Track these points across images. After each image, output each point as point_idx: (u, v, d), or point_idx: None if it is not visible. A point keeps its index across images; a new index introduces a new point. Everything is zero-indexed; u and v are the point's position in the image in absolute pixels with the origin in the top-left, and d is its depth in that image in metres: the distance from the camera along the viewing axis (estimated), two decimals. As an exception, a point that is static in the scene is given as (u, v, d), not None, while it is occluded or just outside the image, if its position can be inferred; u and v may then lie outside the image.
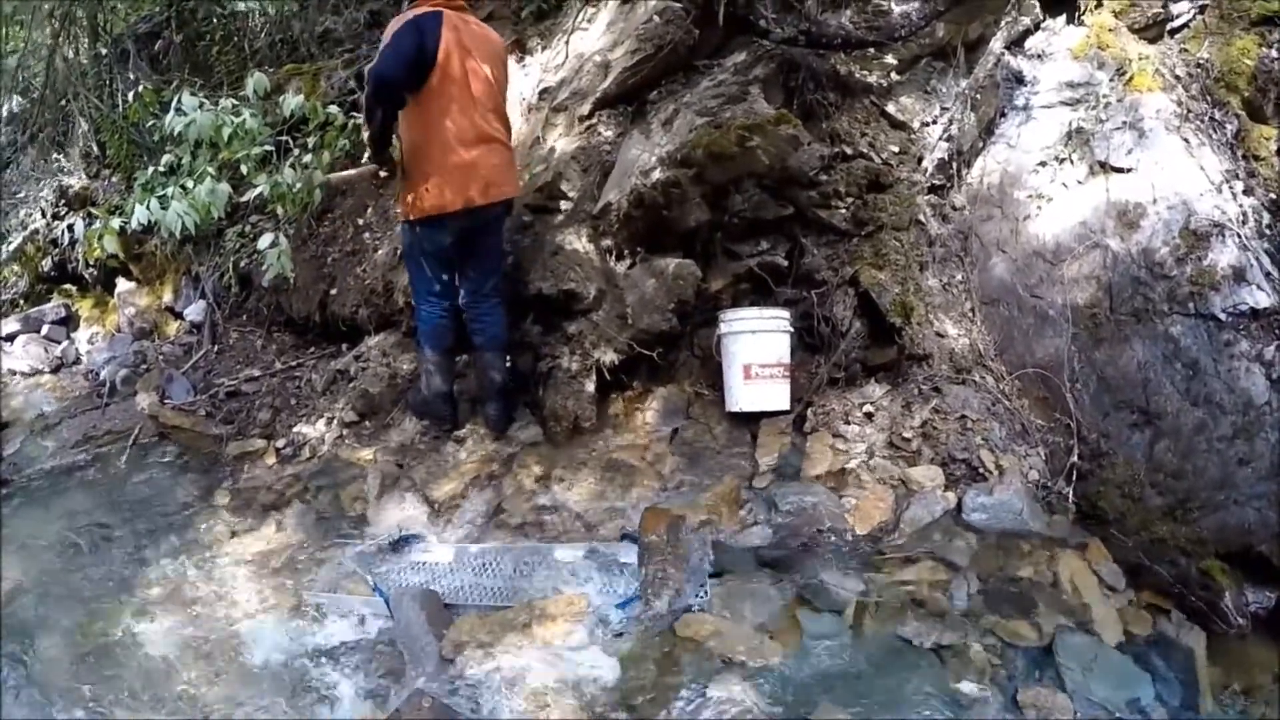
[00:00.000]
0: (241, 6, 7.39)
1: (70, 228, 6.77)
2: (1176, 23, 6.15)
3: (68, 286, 8.67)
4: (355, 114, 6.44)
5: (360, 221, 6.73)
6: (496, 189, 5.35)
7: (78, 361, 7.82)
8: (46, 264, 8.67)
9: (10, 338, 7.97)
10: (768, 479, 5.21)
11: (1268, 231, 5.12)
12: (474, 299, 5.55)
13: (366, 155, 5.97)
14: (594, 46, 6.63)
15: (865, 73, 6.19)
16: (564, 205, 6.03)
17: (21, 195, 8.39)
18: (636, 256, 5.80)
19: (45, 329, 8.13)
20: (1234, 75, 5.65)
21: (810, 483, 5.11)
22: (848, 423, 5.42)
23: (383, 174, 5.70)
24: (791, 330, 5.63)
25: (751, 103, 5.83)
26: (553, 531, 4.95)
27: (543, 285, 5.68)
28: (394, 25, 5.23)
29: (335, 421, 5.99)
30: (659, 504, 4.99)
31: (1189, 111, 5.61)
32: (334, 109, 6.34)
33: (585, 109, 6.39)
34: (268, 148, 6.16)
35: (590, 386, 5.59)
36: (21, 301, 8.77)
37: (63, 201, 8.46)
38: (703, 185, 5.63)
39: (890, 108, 6.18)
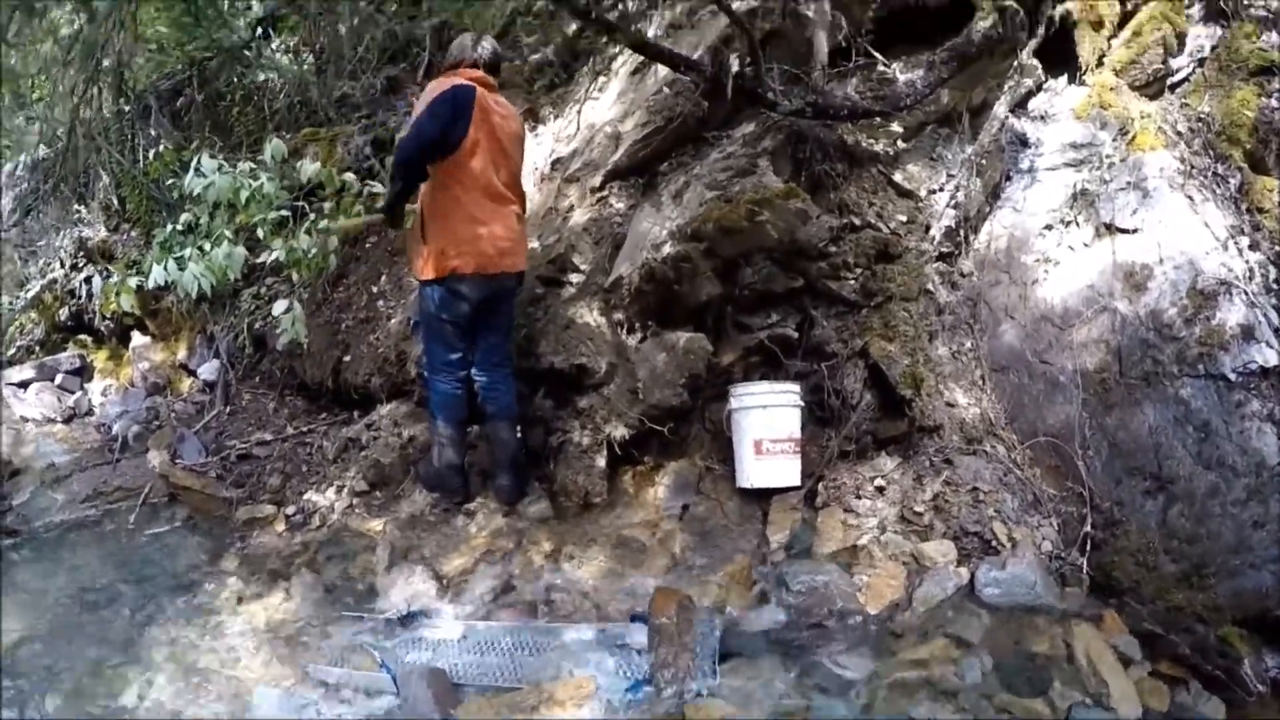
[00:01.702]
0: (261, 76, 7.56)
1: (88, 280, 6.93)
2: (1177, 77, 6.26)
3: (83, 337, 8.78)
4: (370, 182, 6.62)
5: (374, 289, 6.86)
6: (510, 259, 5.52)
7: (90, 413, 7.92)
8: (63, 313, 8.79)
9: (24, 385, 8.07)
10: (779, 557, 5.26)
11: (1275, 286, 5.16)
12: (486, 369, 5.67)
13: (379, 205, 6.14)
14: (605, 117, 6.81)
15: (872, 141, 6.30)
16: (575, 278, 6.16)
17: (42, 244, 8.55)
18: (648, 330, 5.90)
19: (59, 378, 8.23)
20: (1235, 128, 5.72)
21: (822, 560, 5.14)
22: (859, 497, 5.47)
23: (391, 233, 5.97)
24: (802, 404, 5.70)
25: (760, 176, 5.95)
26: (562, 610, 4.97)
27: (555, 359, 5.78)
28: (431, 92, 5.42)
29: (346, 490, 6.07)
30: (669, 584, 5.01)
31: (1192, 168, 5.66)
32: (350, 176, 6.53)
33: (597, 181, 6.56)
34: (284, 212, 6.34)
35: (601, 461, 5.67)
36: (37, 349, 8.89)
37: (81, 253, 8.63)
38: (713, 259, 5.75)
39: (897, 176, 6.28)
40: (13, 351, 8.70)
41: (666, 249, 5.72)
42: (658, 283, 5.75)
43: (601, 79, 7.06)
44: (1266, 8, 6.05)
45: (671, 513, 5.64)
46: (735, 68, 5.93)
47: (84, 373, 8.46)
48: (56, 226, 8.10)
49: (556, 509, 5.69)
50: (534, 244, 6.26)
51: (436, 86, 5.42)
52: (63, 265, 8.72)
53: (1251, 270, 5.20)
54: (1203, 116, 5.87)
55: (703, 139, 6.47)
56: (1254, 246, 5.32)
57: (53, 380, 8.20)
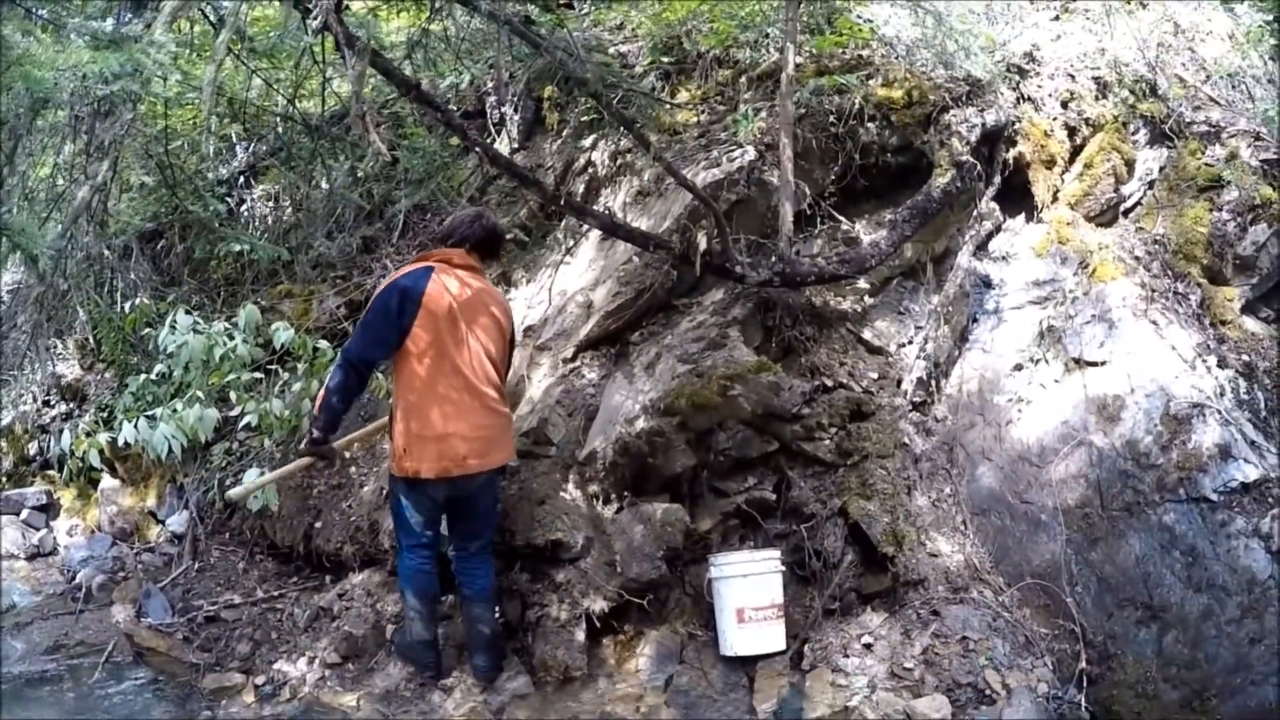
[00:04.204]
0: (236, 248, 7.75)
1: (60, 432, 7.01)
2: (1129, 203, 6.51)
3: (51, 473, 8.61)
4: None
5: (347, 455, 6.85)
6: (483, 458, 5.33)
7: (54, 551, 7.78)
8: (33, 448, 8.71)
9: None
10: (768, 728, 5.17)
11: (1246, 398, 5.23)
12: (461, 553, 5.63)
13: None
14: (576, 284, 7.04)
15: (840, 299, 6.49)
16: (550, 451, 6.18)
17: (14, 375, 8.58)
18: (624, 501, 5.96)
19: (25, 513, 8.09)
20: (1190, 245, 5.95)
21: (813, 728, 5.07)
22: (846, 655, 5.45)
23: (319, 465, 5.79)
24: (783, 569, 5.71)
25: (731, 348, 6.10)
26: (544, 794, 4.89)
27: (530, 535, 5.82)
28: (389, 280, 5.42)
29: (317, 661, 5.98)
30: (656, 763, 4.94)
31: (1153, 291, 5.83)
32: (323, 344, 6.67)
33: (569, 351, 6.72)
34: (257, 375, 6.46)
35: (580, 635, 5.64)
36: (4, 481, 8.79)
37: (54, 390, 8.66)
38: (687, 432, 5.87)
39: (866, 334, 6.45)
40: None
41: (640, 423, 5.84)
42: (632, 456, 5.84)
43: (572, 244, 7.26)
44: (1209, 122, 6.25)
45: (655, 684, 5.59)
46: (703, 245, 6.11)
47: (50, 509, 8.31)
48: (31, 358, 8.16)
49: (536, 684, 5.62)
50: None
51: (398, 271, 5.45)
52: (34, 399, 8.76)
53: (1222, 387, 5.30)
54: (1158, 238, 6.09)
55: (673, 307, 6.68)
56: (1222, 362, 5.44)
57: (18, 514, 8.07)
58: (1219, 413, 5.15)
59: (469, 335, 5.26)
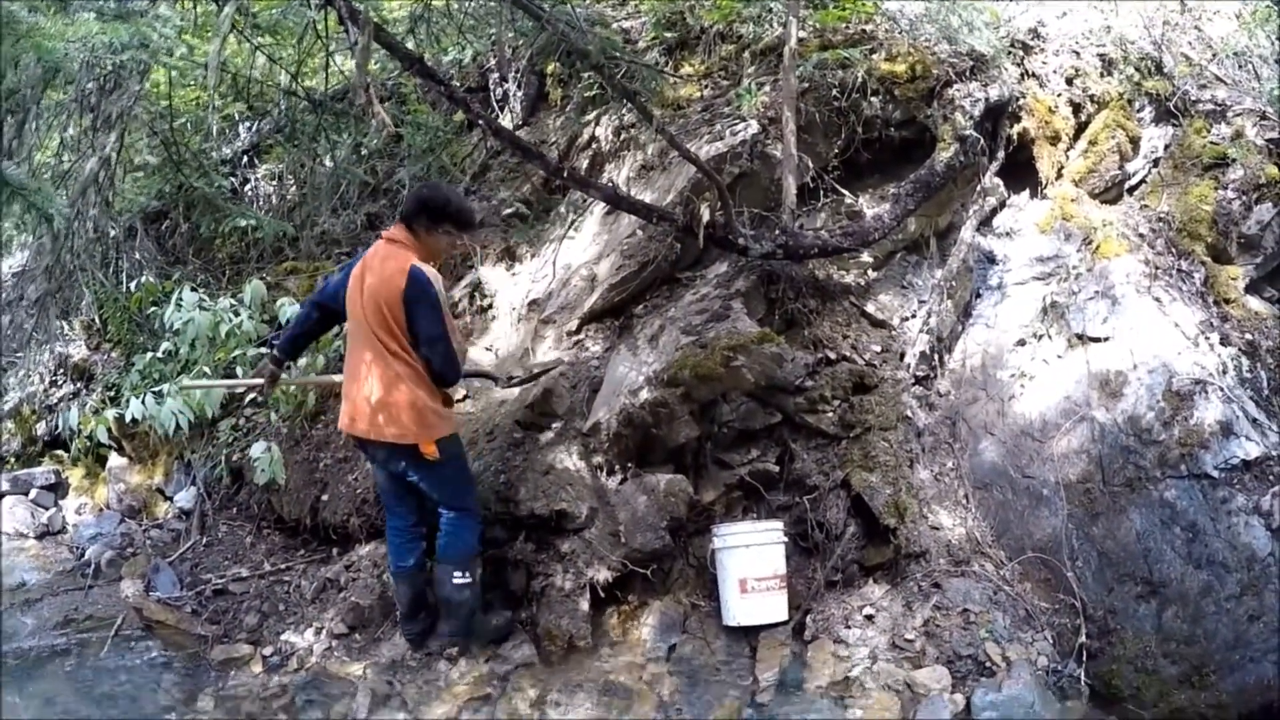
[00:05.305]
0: (241, 223, 7.70)
1: (68, 411, 6.98)
2: (1134, 180, 6.46)
3: (59, 453, 8.63)
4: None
5: (289, 392, 6.81)
6: (365, 424, 5.26)
7: (63, 530, 7.74)
8: (41, 428, 8.67)
9: None
10: (770, 694, 5.19)
11: (1248, 377, 5.20)
12: (433, 517, 5.55)
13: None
14: (580, 258, 6.98)
15: (843, 273, 6.45)
16: (553, 423, 6.14)
17: (21, 356, 8.54)
18: (627, 472, 5.92)
19: (33, 493, 8.03)
20: (1195, 223, 5.91)
21: (814, 696, 5.09)
22: (848, 626, 5.45)
23: (261, 388, 5.98)
24: (786, 540, 5.69)
25: (734, 320, 6.05)
26: (548, 761, 4.88)
27: (535, 505, 5.79)
28: None
29: (324, 632, 5.97)
30: (659, 730, 4.93)
31: (1157, 269, 5.79)
32: None
33: (573, 324, 6.69)
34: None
35: (584, 605, 5.64)
36: (12, 461, 8.78)
37: (61, 370, 8.64)
38: (690, 403, 5.83)
39: (870, 307, 6.42)
40: None
41: (644, 394, 5.79)
42: (636, 427, 5.80)
43: (576, 219, 7.20)
44: (1214, 100, 6.18)
45: (658, 653, 5.59)
46: (706, 217, 6.05)
47: (59, 489, 8.27)
48: (38, 339, 8.12)
49: (540, 653, 5.61)
50: (515, 391, 6.29)
51: None
52: (42, 380, 8.74)
53: (1224, 365, 5.26)
54: (1163, 216, 6.04)
55: (676, 280, 6.63)
56: (1225, 340, 5.40)
57: (27, 494, 8.02)
58: (1221, 390, 5.13)
59: (364, 307, 5.20)
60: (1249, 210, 5.98)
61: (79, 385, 8.32)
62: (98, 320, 8.29)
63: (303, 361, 6.56)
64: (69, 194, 6.89)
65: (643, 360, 6.06)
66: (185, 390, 6.14)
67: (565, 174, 6.16)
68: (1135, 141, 6.54)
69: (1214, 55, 6.80)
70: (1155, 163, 6.40)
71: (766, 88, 6.76)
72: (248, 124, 9.31)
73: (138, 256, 8.06)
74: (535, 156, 6.17)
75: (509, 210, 7.70)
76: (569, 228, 7.20)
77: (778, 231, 6.12)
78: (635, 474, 5.88)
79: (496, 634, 5.60)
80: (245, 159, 9.21)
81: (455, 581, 5.38)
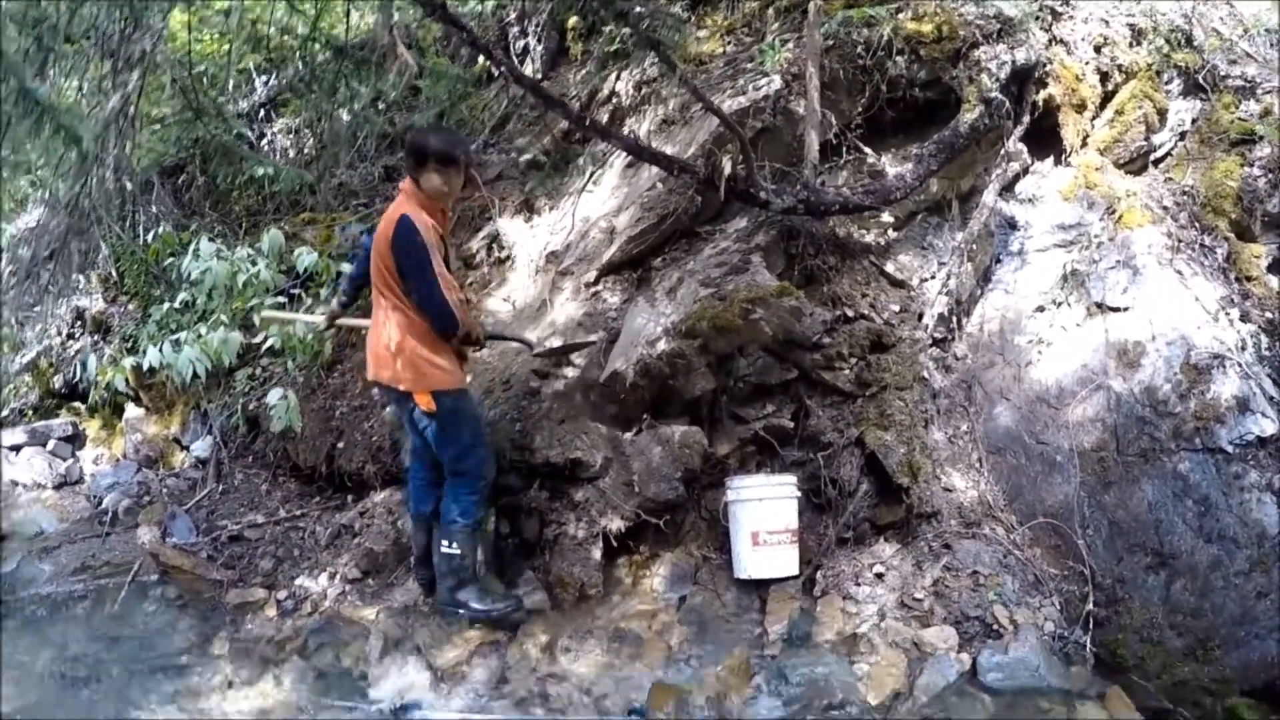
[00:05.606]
0: (259, 171, 7.67)
1: (83, 364, 6.98)
2: (1159, 152, 6.43)
3: (77, 404, 8.74)
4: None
5: (334, 330, 6.85)
6: (374, 369, 5.39)
7: (81, 480, 7.90)
8: (58, 380, 8.77)
9: (16, 449, 8.07)
10: (778, 647, 5.24)
11: (1267, 355, 5.20)
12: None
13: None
14: (600, 210, 6.95)
15: (863, 232, 6.41)
16: (570, 372, 6.15)
17: (39, 310, 8.55)
18: (643, 423, 5.95)
19: (51, 444, 8.20)
20: (1220, 199, 5.86)
21: (821, 650, 5.13)
22: (858, 584, 5.48)
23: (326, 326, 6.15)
24: (799, 495, 5.72)
25: (753, 273, 6.05)
26: (558, 704, 4.94)
27: (549, 453, 5.82)
28: None
29: (338, 577, 6.04)
30: (667, 676, 5.00)
31: (1179, 242, 5.76)
32: (346, 267, 6.61)
33: (591, 275, 6.67)
34: (280, 298, 6.41)
35: (597, 554, 5.69)
36: (30, 413, 8.84)
37: (78, 322, 8.71)
38: (707, 355, 5.84)
39: (889, 266, 6.39)
40: (6, 414, 8.68)
41: (661, 345, 5.80)
42: (652, 378, 5.82)
43: (596, 172, 7.17)
44: (1244, 77, 6.14)
45: (668, 603, 5.65)
46: (728, 170, 6.02)
47: (76, 440, 8.44)
48: (55, 294, 8.12)
49: (552, 600, 5.68)
50: (531, 336, 6.27)
51: None
52: (59, 333, 8.76)
53: (1244, 341, 5.26)
54: (1187, 190, 6.01)
55: (696, 234, 6.60)
56: (1245, 317, 5.39)
57: (45, 446, 8.18)
58: (1239, 365, 5.12)
59: (374, 258, 5.28)
60: (1274, 188, 5.92)
61: (96, 338, 8.33)
62: (115, 274, 8.29)
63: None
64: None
65: (661, 312, 6.06)
66: (266, 319, 6.26)
67: (587, 123, 6.13)
68: (1162, 113, 6.49)
69: (1245, 31, 6.72)
70: (1182, 136, 6.36)
71: (790, 44, 6.69)
72: (264, 79, 9.26)
73: (154, 210, 8.05)
74: (557, 105, 6.13)
75: (527, 157, 7.66)
76: (588, 180, 7.16)
77: (799, 186, 6.07)
78: (650, 425, 5.91)
79: (497, 619, 5.47)
80: (262, 113, 9.16)
81: (443, 550, 5.42)
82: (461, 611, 5.39)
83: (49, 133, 5.51)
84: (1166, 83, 6.60)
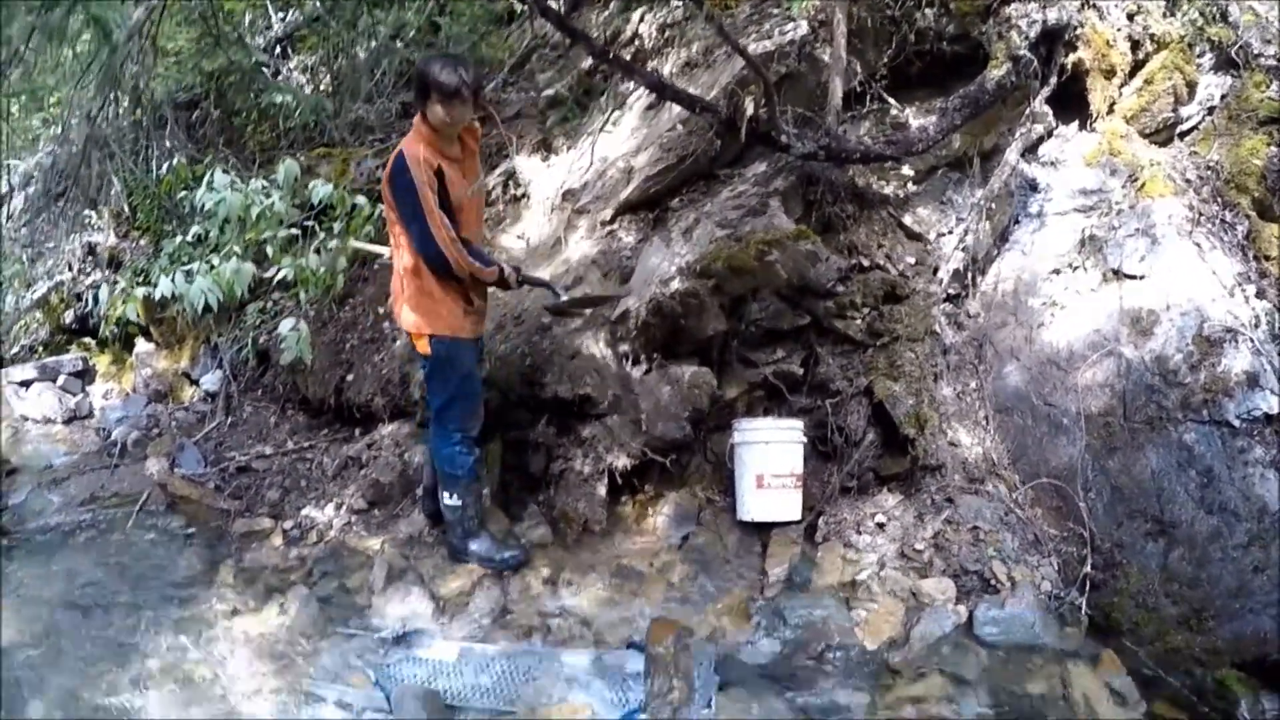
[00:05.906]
0: (277, 99, 7.62)
1: (95, 286, 6.96)
2: (1186, 125, 6.39)
3: (87, 340, 8.81)
4: (381, 203, 6.69)
5: (380, 310, 6.88)
6: (391, 304, 5.45)
7: (90, 415, 7.97)
8: (68, 316, 8.83)
9: (26, 384, 8.11)
10: (777, 589, 5.30)
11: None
12: None
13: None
14: (618, 150, 6.91)
15: (883, 183, 6.40)
16: (583, 309, 6.15)
17: (50, 246, 8.53)
18: (653, 362, 5.95)
19: (61, 379, 8.26)
20: (1244, 176, 5.83)
21: (820, 594, 5.20)
22: (859, 532, 5.54)
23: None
24: (805, 440, 5.76)
25: (771, 216, 6.03)
26: (559, 636, 5.01)
27: (559, 388, 5.83)
28: None
29: (344, 508, 6.07)
30: (667, 613, 5.05)
31: (1200, 215, 5.75)
32: (361, 199, 6.58)
33: (607, 214, 6.65)
34: (294, 231, 6.38)
35: (602, 490, 5.72)
36: (40, 349, 8.92)
37: (90, 258, 8.72)
38: (721, 296, 5.84)
39: (907, 219, 6.38)
40: (16, 350, 8.70)
41: (675, 284, 5.78)
42: (664, 317, 5.81)
43: (616, 113, 7.12)
44: (1277, 57, 6.11)
45: (671, 542, 5.71)
46: (750, 111, 5.98)
47: (86, 375, 8.49)
48: (66, 229, 8.09)
49: (556, 534, 5.73)
50: (544, 273, 6.26)
51: None
52: (70, 269, 8.74)
53: (1258, 318, 5.27)
54: (1212, 164, 5.98)
55: (714, 176, 6.57)
56: (1260, 294, 5.40)
57: (54, 381, 8.22)
58: (1252, 341, 5.12)
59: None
60: (1300, 170, 5.92)
61: (108, 272, 8.30)
62: (127, 208, 8.24)
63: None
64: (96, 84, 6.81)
65: (676, 251, 6.05)
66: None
67: (611, 58, 6.08)
68: (1191, 86, 6.43)
69: (1281, 11, 6.66)
70: (1210, 111, 6.30)
71: (818, -9, 6.63)
72: (281, 15, 9.17)
73: (168, 144, 7.98)
74: (582, 38, 6.10)
75: (549, 93, 7.60)
76: (607, 119, 7.11)
77: (821, 132, 6.04)
78: (661, 365, 5.92)
79: (500, 565, 5.49)
80: (278, 48, 9.06)
81: (445, 501, 5.46)
82: (469, 560, 5.46)
83: (80, 25, 5.46)
84: (1198, 56, 6.51)
